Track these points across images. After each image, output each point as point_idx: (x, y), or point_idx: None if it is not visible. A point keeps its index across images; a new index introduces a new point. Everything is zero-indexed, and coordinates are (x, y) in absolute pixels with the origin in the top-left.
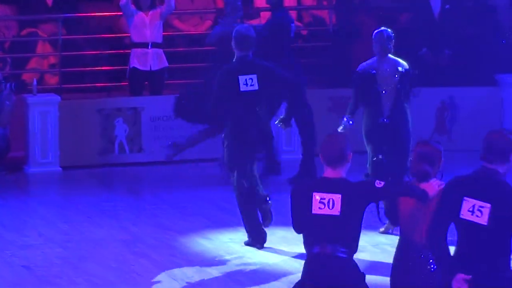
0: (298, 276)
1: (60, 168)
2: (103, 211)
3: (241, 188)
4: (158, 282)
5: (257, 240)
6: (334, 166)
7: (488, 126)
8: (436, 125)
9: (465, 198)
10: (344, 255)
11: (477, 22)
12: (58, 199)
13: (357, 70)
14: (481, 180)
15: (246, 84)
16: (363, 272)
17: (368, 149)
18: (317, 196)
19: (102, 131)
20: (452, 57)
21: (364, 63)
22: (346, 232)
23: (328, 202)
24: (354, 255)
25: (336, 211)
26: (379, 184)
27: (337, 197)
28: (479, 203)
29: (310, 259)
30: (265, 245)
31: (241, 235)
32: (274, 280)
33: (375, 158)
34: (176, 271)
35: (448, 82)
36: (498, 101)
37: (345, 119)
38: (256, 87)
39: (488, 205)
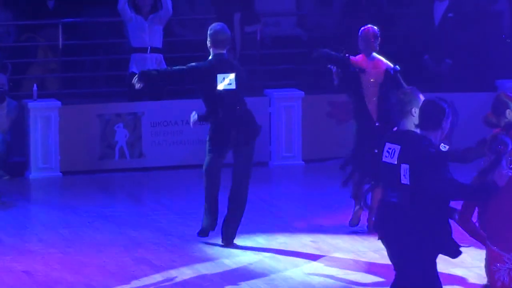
0: (299, 282)
1: (61, 173)
2: (103, 216)
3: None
4: (159, 287)
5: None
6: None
7: (488, 131)
8: None
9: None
10: (396, 200)
11: (478, 28)
12: (59, 204)
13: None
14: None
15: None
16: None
17: (359, 147)
18: (386, 146)
19: (102, 136)
20: (453, 65)
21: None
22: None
23: (392, 151)
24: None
25: (394, 160)
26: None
27: (398, 148)
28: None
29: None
30: (266, 252)
31: (242, 241)
32: (275, 287)
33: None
34: (177, 276)
35: (448, 88)
36: None
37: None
38: (234, 86)
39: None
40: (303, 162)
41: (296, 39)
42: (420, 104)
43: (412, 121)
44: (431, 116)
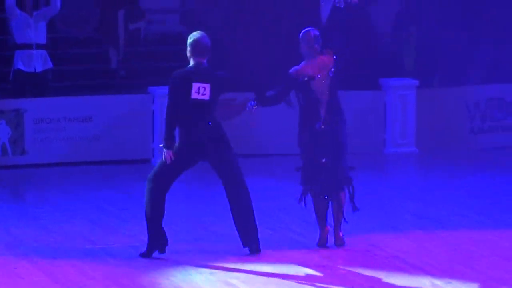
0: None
1: None
2: None
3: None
4: (41, 284)
5: (156, 245)
6: None
7: (371, 129)
8: None
9: None
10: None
11: (363, 25)
12: None
13: (290, 73)
14: None
15: (198, 92)
16: None
17: (305, 155)
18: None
19: None
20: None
21: (295, 67)
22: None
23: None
24: None
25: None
26: None
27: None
28: None
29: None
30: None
31: (124, 237)
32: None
33: (322, 161)
34: (59, 274)
35: None
36: (381, 104)
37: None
38: (207, 97)
39: None
40: None
41: (179, 36)
42: None
43: None
44: None
